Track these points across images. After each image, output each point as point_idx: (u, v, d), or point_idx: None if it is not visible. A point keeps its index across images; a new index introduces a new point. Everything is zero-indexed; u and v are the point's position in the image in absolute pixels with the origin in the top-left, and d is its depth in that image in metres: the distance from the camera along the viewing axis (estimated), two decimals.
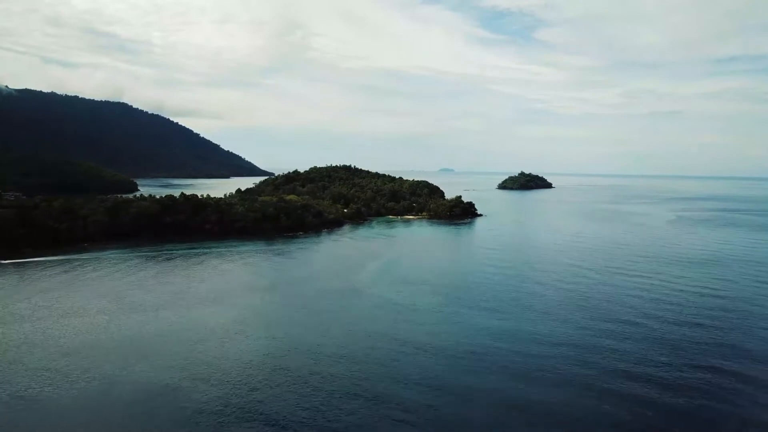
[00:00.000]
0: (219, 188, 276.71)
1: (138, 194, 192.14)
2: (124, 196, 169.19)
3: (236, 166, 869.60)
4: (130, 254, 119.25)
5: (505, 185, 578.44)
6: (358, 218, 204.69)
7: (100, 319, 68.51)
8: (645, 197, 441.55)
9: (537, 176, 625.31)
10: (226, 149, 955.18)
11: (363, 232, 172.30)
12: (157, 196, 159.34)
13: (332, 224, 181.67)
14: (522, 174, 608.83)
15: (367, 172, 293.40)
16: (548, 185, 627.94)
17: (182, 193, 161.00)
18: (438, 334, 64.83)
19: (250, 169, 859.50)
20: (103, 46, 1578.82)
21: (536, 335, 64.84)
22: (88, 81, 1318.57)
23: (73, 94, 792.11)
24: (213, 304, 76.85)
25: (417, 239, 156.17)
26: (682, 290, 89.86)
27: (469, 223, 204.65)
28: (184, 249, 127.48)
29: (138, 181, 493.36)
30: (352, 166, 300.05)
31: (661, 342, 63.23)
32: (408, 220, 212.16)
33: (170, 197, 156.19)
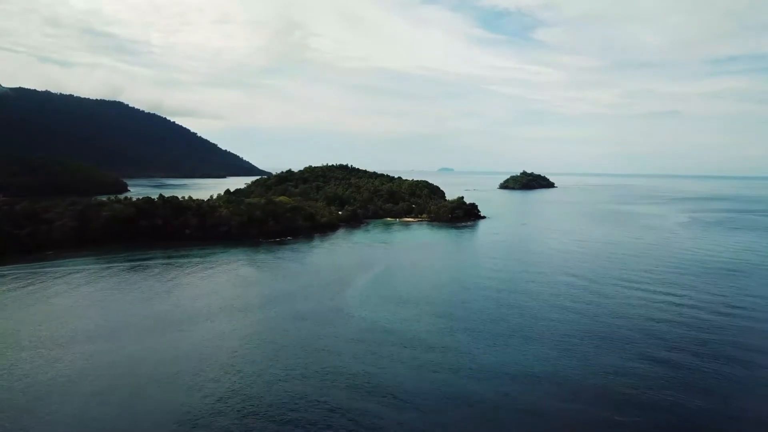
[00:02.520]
0: (213, 188, 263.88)
1: (121, 196, 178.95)
2: (99, 198, 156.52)
3: (234, 165, 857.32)
4: (95, 264, 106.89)
5: (506, 185, 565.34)
6: (354, 221, 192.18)
7: (28, 355, 56.07)
8: (650, 197, 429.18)
9: (539, 176, 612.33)
10: (224, 148, 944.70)
11: (358, 236, 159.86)
12: (134, 198, 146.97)
13: (325, 228, 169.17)
14: (524, 173, 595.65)
15: (365, 171, 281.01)
16: (550, 185, 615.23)
17: (161, 194, 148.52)
18: (434, 379, 52.35)
19: (248, 169, 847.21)
20: (103, 46, 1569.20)
21: (552, 382, 52.39)
22: (85, 80, 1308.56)
23: (68, 93, 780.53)
24: (169, 331, 64.40)
25: (416, 245, 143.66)
26: (715, 313, 76.65)
27: (472, 226, 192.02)
28: (159, 257, 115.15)
29: (132, 182, 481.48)
30: (349, 165, 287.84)
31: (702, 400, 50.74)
32: (407, 223, 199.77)
33: (147, 199, 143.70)
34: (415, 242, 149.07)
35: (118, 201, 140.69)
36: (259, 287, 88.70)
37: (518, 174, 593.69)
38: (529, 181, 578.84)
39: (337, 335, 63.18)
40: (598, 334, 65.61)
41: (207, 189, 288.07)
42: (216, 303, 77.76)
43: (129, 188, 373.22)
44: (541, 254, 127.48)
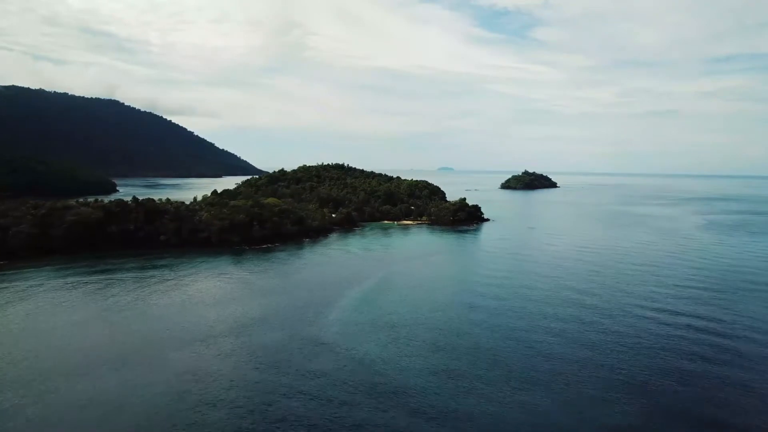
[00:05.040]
0: (206, 188, 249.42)
1: (103, 197, 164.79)
2: (63, 202, 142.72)
3: (231, 165, 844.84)
4: (53, 277, 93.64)
5: (508, 185, 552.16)
6: (348, 224, 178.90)
7: None
8: (657, 198, 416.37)
9: (541, 175, 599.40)
10: (220, 147, 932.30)
11: (352, 242, 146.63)
12: (106, 200, 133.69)
13: (317, 233, 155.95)
14: (526, 173, 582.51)
15: (361, 171, 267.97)
16: (553, 185, 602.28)
17: (134, 196, 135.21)
18: None
19: (245, 168, 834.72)
20: (101, 45, 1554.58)
21: None
22: (80, 79, 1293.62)
23: (62, 92, 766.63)
24: (104, 370, 51.28)
25: (415, 253, 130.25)
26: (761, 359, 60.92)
27: (476, 230, 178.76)
28: (125, 269, 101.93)
29: (124, 181, 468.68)
30: (345, 164, 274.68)
31: None
32: (406, 226, 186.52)
33: (119, 202, 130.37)
34: (414, 249, 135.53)
35: (86, 204, 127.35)
36: (229, 308, 75.32)
37: (520, 173, 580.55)
38: (532, 181, 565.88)
39: (309, 379, 49.83)
40: (635, 384, 52.56)
41: (200, 189, 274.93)
42: (173, 330, 64.53)
43: (118, 188, 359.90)
44: (555, 266, 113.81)
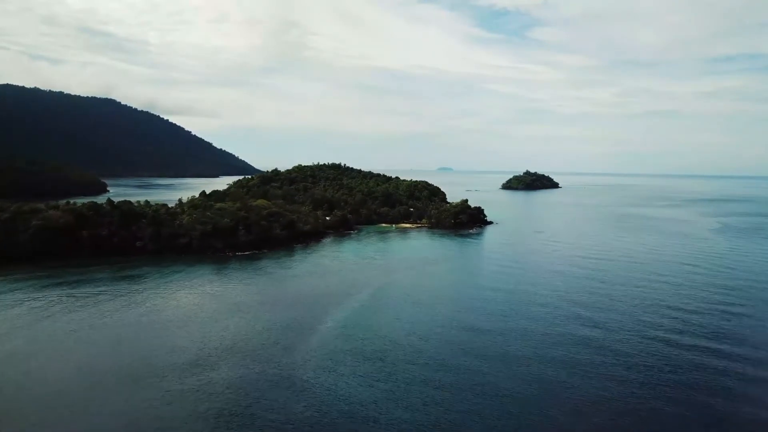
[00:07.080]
0: (201, 188, 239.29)
1: (92, 198, 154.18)
2: (32, 204, 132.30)
3: (229, 165, 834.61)
4: (9, 292, 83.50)
5: (509, 185, 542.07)
6: (344, 228, 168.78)
7: None
8: (662, 198, 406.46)
9: (543, 175, 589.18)
10: (219, 147, 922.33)
11: (346, 248, 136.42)
12: (79, 203, 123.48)
13: (309, 237, 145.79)
14: (527, 173, 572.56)
15: (359, 171, 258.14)
16: (555, 185, 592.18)
17: (109, 199, 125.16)
18: None
19: (242, 168, 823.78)
20: (100, 45, 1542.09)
21: None
22: (76, 78, 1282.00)
23: (58, 91, 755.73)
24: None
25: (412, 260, 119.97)
26: None
27: (478, 234, 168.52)
28: (95, 279, 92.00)
29: (117, 182, 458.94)
30: (342, 164, 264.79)
31: None
32: (404, 230, 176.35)
33: (92, 205, 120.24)
34: (413, 257, 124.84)
35: (55, 207, 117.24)
36: (198, 331, 65.04)
37: (521, 173, 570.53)
38: (533, 181, 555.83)
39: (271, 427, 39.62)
40: None
41: (194, 189, 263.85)
42: (124, 361, 54.34)
43: (108, 189, 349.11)
44: (565, 280, 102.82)
